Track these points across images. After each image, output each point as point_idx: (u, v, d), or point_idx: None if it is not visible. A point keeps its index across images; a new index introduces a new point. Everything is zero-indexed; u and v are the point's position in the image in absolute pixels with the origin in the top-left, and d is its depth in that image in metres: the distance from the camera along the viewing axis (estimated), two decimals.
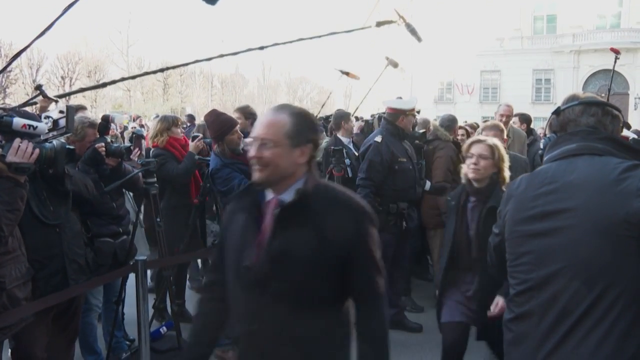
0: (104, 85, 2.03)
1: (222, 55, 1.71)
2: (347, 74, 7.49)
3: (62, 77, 43.47)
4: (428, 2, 35.52)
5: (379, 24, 2.14)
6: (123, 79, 1.80)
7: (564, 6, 32.87)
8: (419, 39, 2.19)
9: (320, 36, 1.96)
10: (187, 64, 1.91)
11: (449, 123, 5.78)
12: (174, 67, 2.04)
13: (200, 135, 5.02)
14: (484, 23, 33.65)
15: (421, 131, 5.62)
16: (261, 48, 1.83)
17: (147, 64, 53.85)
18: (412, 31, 2.21)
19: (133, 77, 1.89)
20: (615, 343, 1.57)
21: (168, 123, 4.92)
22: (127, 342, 4.47)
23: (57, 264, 3.09)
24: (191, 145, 4.89)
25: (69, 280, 3.13)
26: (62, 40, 57.14)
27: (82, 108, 4.85)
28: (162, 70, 2.00)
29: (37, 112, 3.89)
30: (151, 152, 4.86)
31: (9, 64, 2.13)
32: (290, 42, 1.85)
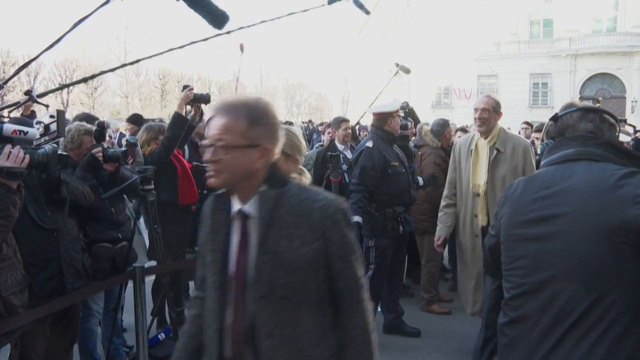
0: (85, 80, 2.03)
1: (193, 42, 1.71)
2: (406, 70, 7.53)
3: (60, 85, 43.50)
4: (425, 7, 35.68)
5: (330, 1, 2.14)
6: (102, 73, 1.81)
7: (561, 10, 33.01)
8: (366, 12, 2.20)
9: (280, 17, 1.97)
10: (160, 53, 1.90)
11: (439, 128, 5.78)
12: (148, 57, 2.03)
13: (191, 86, 4.71)
14: (481, 28, 33.78)
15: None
16: (228, 32, 1.83)
17: (145, 70, 54.01)
18: (360, 6, 2.22)
19: (112, 70, 1.89)
20: (607, 348, 1.57)
21: (155, 132, 4.75)
22: (126, 349, 4.46)
23: (54, 267, 3.12)
24: (181, 95, 4.62)
25: (66, 284, 3.15)
26: (60, 48, 57.24)
27: (91, 119, 4.81)
28: (137, 61, 2.00)
29: (21, 114, 3.91)
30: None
31: (14, 75, 2.13)
32: (254, 25, 1.86)
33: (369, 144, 4.71)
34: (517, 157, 4.03)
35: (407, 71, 7.67)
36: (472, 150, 4.19)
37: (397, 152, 4.79)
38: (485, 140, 4.13)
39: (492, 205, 3.91)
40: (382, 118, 4.79)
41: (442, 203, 4.49)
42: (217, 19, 1.67)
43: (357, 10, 2.29)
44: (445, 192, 4.49)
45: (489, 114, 4.08)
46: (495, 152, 4.04)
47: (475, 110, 4.12)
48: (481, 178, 4.07)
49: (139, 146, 4.63)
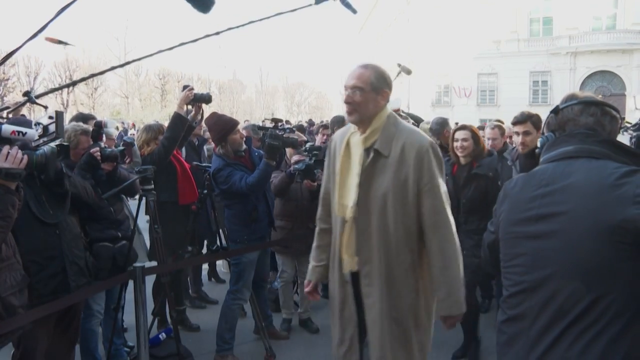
0: (74, 83, 2.02)
1: (182, 44, 1.69)
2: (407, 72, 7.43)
3: (60, 85, 43.51)
4: (425, 5, 35.66)
5: (318, 1, 2.07)
6: (92, 76, 1.79)
7: (560, 8, 32.99)
8: (353, 12, 2.08)
9: (268, 17, 1.95)
10: (150, 55, 1.88)
11: (438, 127, 5.75)
12: (139, 59, 2.01)
13: (191, 86, 4.65)
14: (481, 26, 33.77)
15: None
16: (217, 33, 1.81)
17: (145, 70, 54.03)
18: (347, 5, 2.12)
19: (101, 73, 1.88)
20: (604, 346, 1.56)
21: (154, 132, 4.75)
22: (127, 349, 4.47)
23: (57, 265, 3.13)
24: (181, 95, 4.56)
25: (70, 281, 3.16)
26: (60, 48, 57.28)
27: (91, 118, 4.83)
28: (123, 65, 2.00)
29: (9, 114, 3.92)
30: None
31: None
32: (242, 25, 1.84)
33: None
34: (407, 164, 2.51)
35: (409, 72, 7.62)
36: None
37: None
38: (362, 137, 2.60)
39: (364, 239, 2.58)
40: None
41: (316, 229, 3.00)
42: (202, 2, 1.63)
43: (345, 9, 2.19)
44: (318, 212, 3.00)
45: (364, 96, 2.55)
46: (372, 155, 2.55)
47: (345, 88, 2.62)
48: (349, 196, 2.60)
49: (136, 146, 4.63)
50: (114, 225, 3.89)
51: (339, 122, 6.04)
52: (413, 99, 34.97)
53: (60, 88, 1.90)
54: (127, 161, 4.39)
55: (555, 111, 1.91)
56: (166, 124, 5.01)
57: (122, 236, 3.93)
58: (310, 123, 16.07)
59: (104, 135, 3.96)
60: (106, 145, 4.14)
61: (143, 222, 4.40)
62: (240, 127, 4.39)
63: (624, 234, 1.55)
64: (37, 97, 2.19)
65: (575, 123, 1.84)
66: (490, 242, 2.03)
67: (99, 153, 3.69)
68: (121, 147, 4.06)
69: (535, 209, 1.77)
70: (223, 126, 4.19)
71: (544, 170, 1.83)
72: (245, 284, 4.31)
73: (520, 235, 1.81)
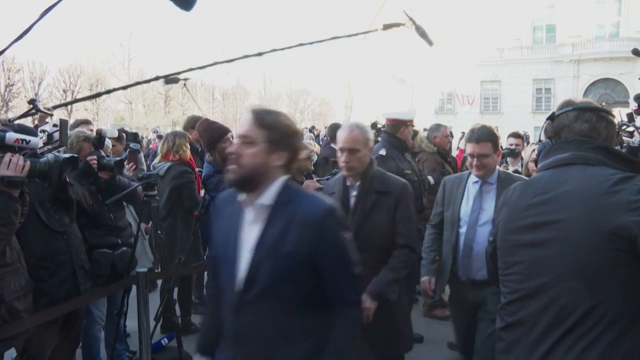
0: (99, 94, 2.02)
1: (216, 63, 1.68)
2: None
3: (64, 90, 43.57)
4: (428, 13, 35.73)
5: (386, 27, 1.98)
6: (123, 88, 1.79)
7: (563, 16, 33.01)
8: (430, 43, 2.00)
9: (321, 41, 1.90)
10: (188, 71, 1.87)
11: (429, 132, 5.77)
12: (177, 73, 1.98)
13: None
14: (484, 33, 33.79)
15: None
16: (259, 54, 1.78)
17: (149, 76, 54.11)
18: (423, 34, 2.03)
19: (131, 86, 1.89)
20: (599, 354, 1.57)
21: (185, 139, 4.86)
22: (129, 354, 4.47)
23: (67, 270, 3.20)
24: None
25: (80, 285, 3.24)
26: (64, 54, 57.56)
27: (85, 122, 4.86)
28: (156, 78, 1.97)
29: (37, 123, 3.94)
30: (171, 166, 4.74)
31: None
32: (290, 47, 1.80)
33: (382, 152, 4.67)
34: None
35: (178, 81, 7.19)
36: None
37: (409, 160, 4.77)
38: None
39: None
40: (396, 125, 4.76)
41: None
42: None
43: (421, 40, 2.11)
44: None
45: None
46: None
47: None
48: None
49: (142, 153, 4.66)
50: (114, 231, 3.88)
51: (337, 128, 6.06)
52: (416, 106, 35.01)
53: (66, 104, 1.91)
54: (132, 168, 4.40)
55: (552, 118, 1.91)
56: (169, 130, 5.09)
57: (122, 243, 3.93)
58: (311, 130, 16.10)
59: (104, 143, 3.94)
60: (110, 153, 4.15)
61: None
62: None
63: (618, 240, 1.56)
64: (56, 107, 2.20)
65: (570, 130, 1.83)
66: (491, 253, 2.03)
67: (95, 161, 3.69)
68: (118, 158, 4.04)
69: (531, 217, 1.78)
70: (212, 134, 4.20)
71: (540, 178, 1.83)
72: None
73: (518, 244, 1.81)
